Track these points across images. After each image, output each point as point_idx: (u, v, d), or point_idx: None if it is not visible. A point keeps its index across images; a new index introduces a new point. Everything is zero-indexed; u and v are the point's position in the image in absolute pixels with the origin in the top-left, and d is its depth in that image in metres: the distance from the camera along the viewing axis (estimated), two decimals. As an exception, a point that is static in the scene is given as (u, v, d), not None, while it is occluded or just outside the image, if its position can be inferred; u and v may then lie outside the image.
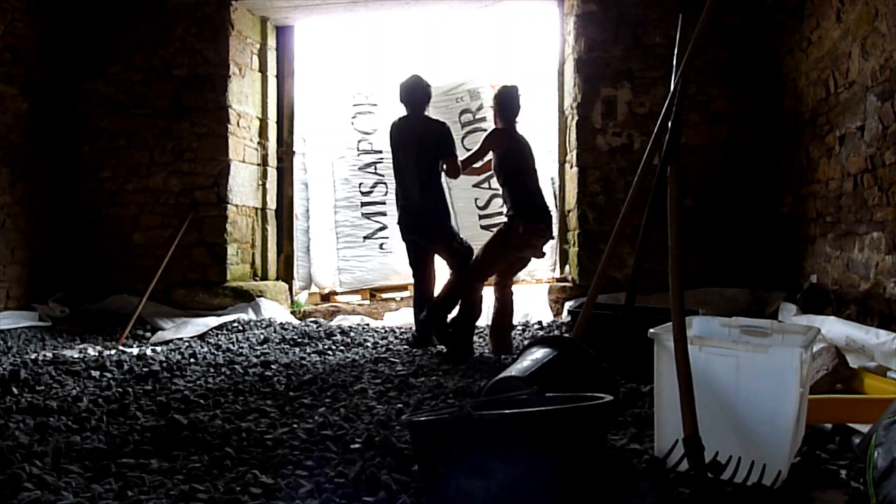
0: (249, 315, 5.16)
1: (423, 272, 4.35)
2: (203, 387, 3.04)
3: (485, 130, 5.83)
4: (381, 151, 5.99)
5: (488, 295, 4.19)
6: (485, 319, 4.34)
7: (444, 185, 4.33)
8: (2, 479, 1.75)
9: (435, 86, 5.85)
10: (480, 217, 6.09)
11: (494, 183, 5.78)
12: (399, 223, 4.34)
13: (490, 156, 4.18)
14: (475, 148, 4.23)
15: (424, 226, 4.20)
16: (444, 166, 4.14)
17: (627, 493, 1.61)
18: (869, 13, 3.51)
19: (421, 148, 4.13)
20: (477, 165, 4.35)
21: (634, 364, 2.48)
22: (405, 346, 4.23)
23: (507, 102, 4.04)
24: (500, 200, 5.82)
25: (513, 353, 3.91)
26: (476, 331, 4.40)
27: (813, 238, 4.26)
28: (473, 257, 4.09)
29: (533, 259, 5.67)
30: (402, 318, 5.43)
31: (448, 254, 4.20)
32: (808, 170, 4.33)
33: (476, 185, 6.04)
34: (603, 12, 4.99)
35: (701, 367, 1.77)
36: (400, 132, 4.25)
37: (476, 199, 6.09)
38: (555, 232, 5.80)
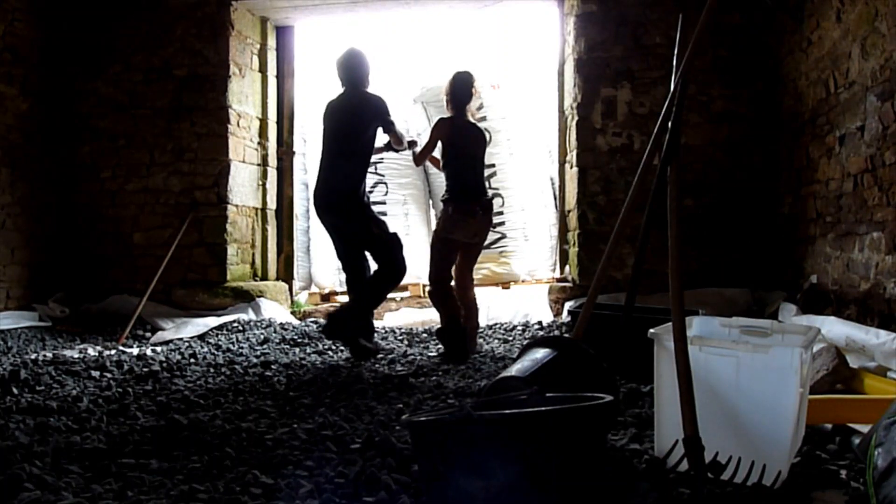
0: (249, 315, 5.16)
1: (354, 265, 4.03)
2: (203, 387, 3.04)
3: (485, 130, 5.86)
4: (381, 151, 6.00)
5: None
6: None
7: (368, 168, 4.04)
8: (2, 479, 1.75)
9: (435, 86, 5.87)
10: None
11: (495, 182, 5.79)
12: (315, 204, 4.03)
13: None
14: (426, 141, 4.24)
15: (340, 202, 3.87)
16: (390, 141, 4.05)
17: (627, 494, 1.61)
18: (869, 13, 3.51)
19: (351, 123, 3.87)
20: (437, 156, 4.36)
21: (634, 364, 2.47)
22: (405, 346, 4.23)
23: (456, 89, 4.06)
24: (499, 200, 5.84)
25: (476, 352, 3.93)
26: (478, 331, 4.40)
27: (813, 238, 4.26)
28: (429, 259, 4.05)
29: (529, 258, 5.66)
30: (402, 317, 5.44)
31: (366, 238, 3.91)
32: (808, 170, 4.33)
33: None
34: (603, 12, 4.99)
35: (701, 367, 1.77)
36: (331, 109, 4.00)
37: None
38: (554, 232, 5.84)
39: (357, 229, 3.91)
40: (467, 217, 3.92)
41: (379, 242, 3.89)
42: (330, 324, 3.79)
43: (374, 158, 6.10)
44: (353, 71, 3.97)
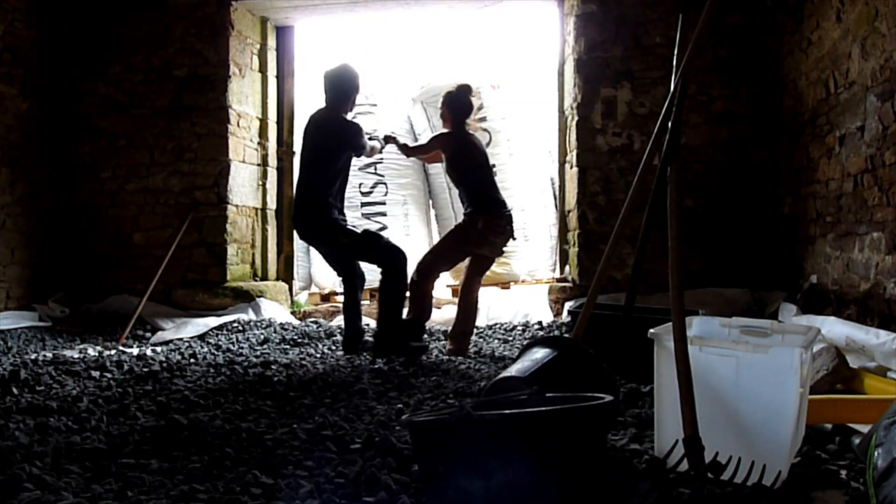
0: (249, 315, 5.16)
1: (345, 271, 4.07)
2: (203, 387, 3.04)
3: (485, 130, 5.86)
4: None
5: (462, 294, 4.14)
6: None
7: (343, 190, 3.98)
8: (2, 479, 1.75)
9: (435, 86, 5.87)
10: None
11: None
12: (292, 225, 4.09)
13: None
14: (422, 143, 4.29)
15: (308, 227, 3.94)
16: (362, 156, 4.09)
17: (627, 494, 1.61)
18: (869, 13, 3.51)
19: (323, 148, 3.87)
20: (427, 155, 4.36)
21: (634, 364, 2.48)
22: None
23: (455, 103, 4.03)
24: (500, 200, 5.83)
25: (468, 355, 3.91)
26: (474, 332, 4.39)
27: (813, 238, 4.26)
28: (424, 253, 4.01)
29: (530, 259, 5.65)
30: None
31: (349, 249, 3.90)
32: (808, 170, 4.33)
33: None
34: (603, 12, 4.99)
35: (701, 368, 1.77)
36: (309, 126, 3.99)
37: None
38: (554, 232, 5.85)
39: (333, 246, 3.95)
40: (498, 234, 3.92)
41: (356, 249, 3.88)
42: (376, 348, 3.80)
43: (373, 158, 6.14)
44: (337, 90, 3.92)
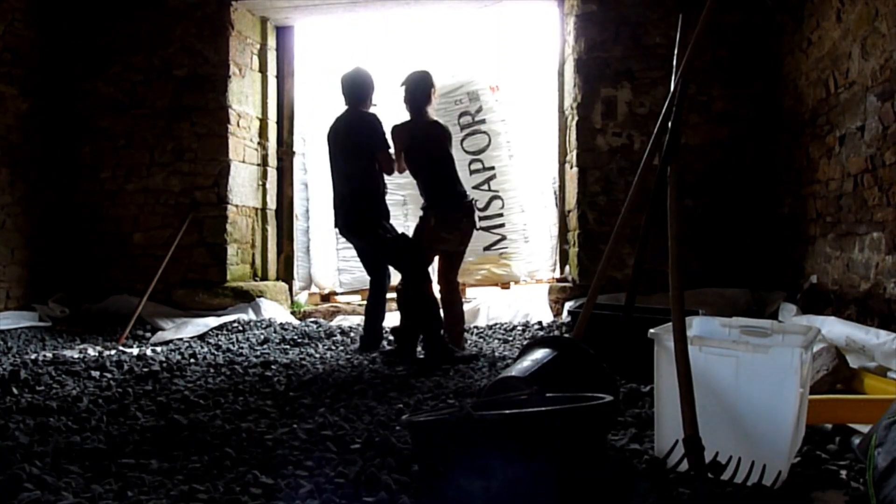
0: (249, 315, 5.16)
1: (378, 279, 4.18)
2: (203, 387, 3.04)
3: (484, 132, 5.86)
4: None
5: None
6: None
7: (378, 184, 3.99)
8: (2, 479, 1.75)
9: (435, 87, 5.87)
10: (480, 219, 6.05)
11: (495, 185, 5.80)
12: (335, 225, 4.11)
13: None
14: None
15: (349, 220, 3.96)
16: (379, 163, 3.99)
17: (627, 494, 1.61)
18: (869, 13, 3.51)
19: (348, 142, 3.94)
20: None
21: (634, 364, 2.47)
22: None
23: (411, 91, 3.97)
24: (499, 202, 5.84)
25: (464, 349, 3.90)
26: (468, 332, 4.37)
27: (813, 238, 4.26)
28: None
29: (530, 259, 5.62)
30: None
31: (378, 246, 3.94)
32: (808, 170, 4.33)
33: (475, 187, 6.04)
34: (603, 12, 4.99)
35: (701, 368, 1.77)
36: (333, 130, 4.08)
37: (475, 201, 6.06)
38: (554, 232, 5.84)
39: (370, 240, 3.97)
40: (452, 229, 3.86)
41: (391, 248, 3.88)
42: (428, 357, 3.75)
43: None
44: (355, 90, 4.05)
